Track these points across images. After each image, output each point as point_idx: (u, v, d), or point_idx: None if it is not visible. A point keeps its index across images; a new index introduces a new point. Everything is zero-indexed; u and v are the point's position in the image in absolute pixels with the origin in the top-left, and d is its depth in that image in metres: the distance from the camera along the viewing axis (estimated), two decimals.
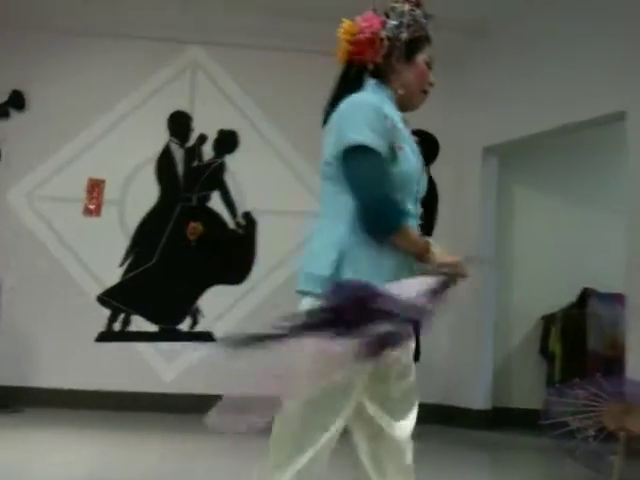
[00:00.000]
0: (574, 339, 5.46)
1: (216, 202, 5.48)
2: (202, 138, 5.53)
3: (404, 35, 1.74)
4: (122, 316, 5.28)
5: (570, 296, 5.64)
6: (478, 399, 5.29)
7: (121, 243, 5.32)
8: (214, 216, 5.46)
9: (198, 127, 5.52)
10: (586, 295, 5.56)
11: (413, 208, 1.73)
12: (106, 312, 5.26)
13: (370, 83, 1.75)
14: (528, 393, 5.35)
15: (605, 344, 5.36)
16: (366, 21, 1.75)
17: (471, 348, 5.36)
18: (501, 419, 5.22)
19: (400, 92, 1.75)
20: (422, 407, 5.80)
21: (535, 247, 5.76)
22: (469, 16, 5.28)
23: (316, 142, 6.15)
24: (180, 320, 5.35)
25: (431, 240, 1.68)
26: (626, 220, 4.51)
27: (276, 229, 5.41)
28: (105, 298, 5.26)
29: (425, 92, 1.80)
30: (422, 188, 1.79)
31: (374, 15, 1.76)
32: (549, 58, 4.98)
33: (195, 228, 5.39)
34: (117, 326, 5.28)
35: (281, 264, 5.43)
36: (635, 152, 4.41)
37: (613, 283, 5.04)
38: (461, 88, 5.68)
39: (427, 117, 5.87)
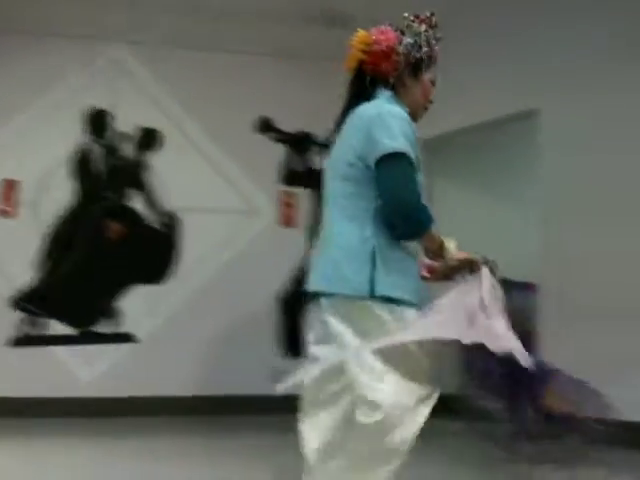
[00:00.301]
0: None
1: (138, 201, 5.43)
2: (123, 136, 5.46)
3: (417, 54, 1.86)
4: (37, 319, 5.14)
5: None
6: None
7: (37, 245, 5.18)
8: (136, 215, 5.40)
9: (119, 126, 5.45)
10: (501, 283, 5.76)
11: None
12: (19, 315, 5.10)
13: (386, 94, 1.85)
14: (448, 379, 5.50)
15: (518, 332, 5.56)
16: (382, 34, 1.85)
17: None
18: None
19: (407, 107, 1.87)
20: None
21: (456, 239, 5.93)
22: (385, 14, 5.39)
23: (239, 140, 6.24)
24: (100, 321, 5.27)
25: (445, 237, 1.82)
26: (539, 213, 4.72)
27: (200, 227, 5.41)
28: (20, 301, 5.12)
29: (426, 108, 1.95)
30: None
31: (391, 29, 1.86)
32: (466, 55, 5.15)
33: (116, 227, 5.32)
34: (32, 329, 5.14)
35: (205, 262, 5.44)
36: (548, 149, 4.61)
37: (525, 272, 5.25)
38: None
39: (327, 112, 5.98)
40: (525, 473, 2.94)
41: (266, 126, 5.61)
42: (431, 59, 1.89)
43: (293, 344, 5.54)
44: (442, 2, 5.18)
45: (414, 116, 1.88)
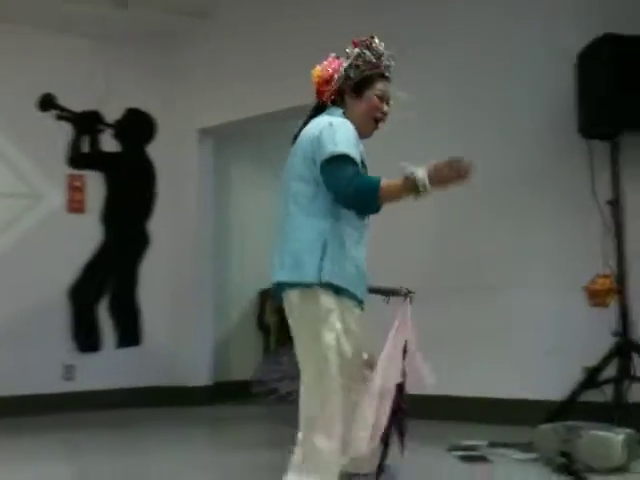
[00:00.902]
0: None
1: None
2: None
3: (352, 75, 2.09)
4: None
5: None
6: (200, 376, 5.39)
7: None
8: None
9: None
10: None
11: (363, 219, 2.04)
12: None
13: (336, 112, 2.09)
14: (247, 366, 5.59)
15: None
16: (328, 64, 2.15)
17: (191, 328, 5.45)
18: (224, 393, 5.39)
19: (353, 122, 2.05)
20: (146, 391, 5.74)
21: (252, 228, 6.01)
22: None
23: (22, 120, 5.69)
24: None
25: (408, 170, 1.83)
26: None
27: None
28: None
29: (376, 121, 2.11)
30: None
31: (334, 59, 2.15)
32: (265, 44, 5.20)
33: None
34: None
35: None
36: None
37: None
38: (176, 70, 5.70)
39: (143, 96, 5.83)
40: None
41: (48, 103, 5.23)
42: (371, 77, 2.09)
43: (88, 338, 5.28)
44: None
45: (362, 130, 2.08)
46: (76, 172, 5.34)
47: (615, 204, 3.38)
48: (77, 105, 5.33)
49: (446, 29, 4.34)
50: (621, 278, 3.30)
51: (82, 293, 5.24)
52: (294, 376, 3.48)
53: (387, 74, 2.11)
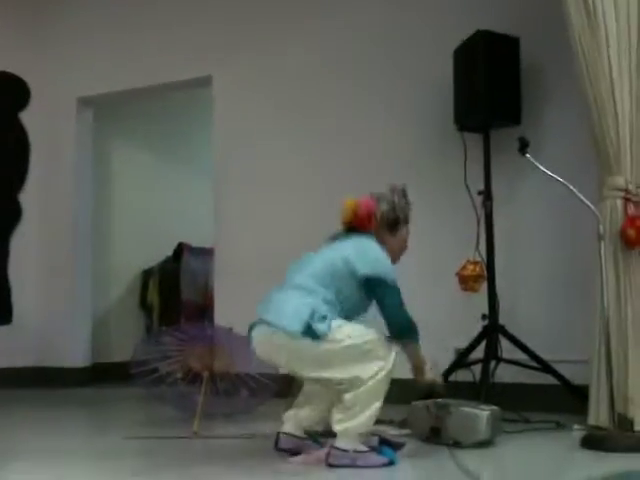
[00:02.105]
0: (170, 291, 5.76)
1: None
2: None
3: (387, 215, 2.58)
4: None
5: (167, 250, 5.91)
6: (76, 357, 5.23)
7: None
8: None
9: None
10: (181, 249, 5.90)
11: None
12: None
13: (369, 236, 2.54)
14: (128, 346, 5.47)
15: (197, 294, 5.79)
16: (366, 203, 2.57)
17: (67, 306, 5.27)
18: (103, 374, 5.25)
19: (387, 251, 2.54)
20: (16, 371, 5.51)
21: (133, 204, 5.86)
22: None
23: None
24: None
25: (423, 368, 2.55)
26: (212, 179, 4.89)
27: None
28: None
29: (400, 256, 2.65)
30: None
31: (371, 198, 2.59)
32: (144, 15, 5.05)
33: None
34: None
35: None
36: (219, 115, 4.79)
37: (204, 238, 5.44)
38: (55, 35, 5.41)
39: (15, 60, 5.50)
40: (196, 427, 3.07)
41: None
42: (405, 220, 2.63)
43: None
44: None
45: (392, 261, 2.56)
46: None
47: (485, 194, 3.59)
48: None
49: (334, 15, 4.40)
50: (490, 265, 3.52)
51: None
52: (177, 357, 3.49)
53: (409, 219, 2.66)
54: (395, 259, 2.60)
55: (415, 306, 3.94)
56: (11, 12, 5.24)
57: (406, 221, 2.65)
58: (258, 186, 4.61)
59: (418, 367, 2.53)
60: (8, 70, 5.23)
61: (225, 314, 4.40)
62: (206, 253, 5.64)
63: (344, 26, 4.36)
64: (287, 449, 2.54)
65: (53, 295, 5.26)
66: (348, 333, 2.37)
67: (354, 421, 2.35)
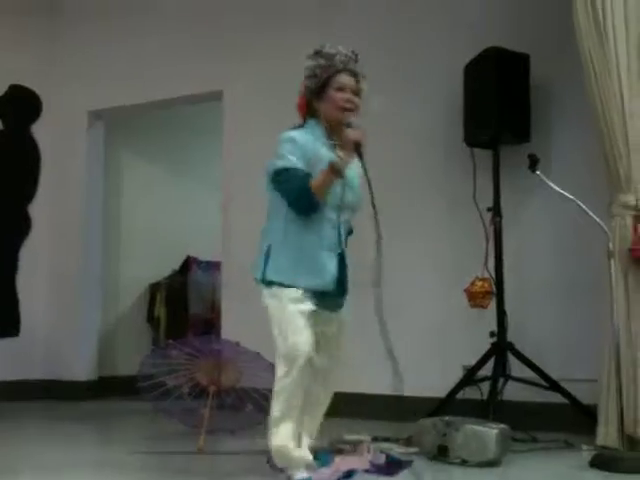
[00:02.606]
0: (177, 304, 5.76)
1: None
2: None
3: (310, 84, 2.36)
4: None
5: (174, 264, 5.92)
6: (83, 370, 5.22)
7: None
8: None
9: None
10: (188, 263, 5.91)
11: (334, 215, 2.32)
12: None
13: (309, 122, 2.38)
14: (135, 360, 5.48)
15: (204, 308, 5.79)
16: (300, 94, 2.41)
17: (74, 319, 5.27)
18: (109, 388, 5.24)
19: (326, 123, 2.36)
20: (23, 384, 5.50)
21: (141, 217, 5.87)
22: None
23: None
24: None
25: (331, 163, 2.21)
26: (220, 193, 4.89)
27: None
28: None
29: (346, 110, 2.33)
30: (348, 200, 2.34)
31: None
32: (157, 29, 5.09)
33: None
34: None
35: None
36: (229, 128, 4.80)
37: (211, 252, 5.43)
38: (66, 49, 5.46)
39: (29, 74, 5.53)
40: (202, 442, 3.05)
41: None
42: (328, 79, 2.34)
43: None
44: None
45: (336, 123, 2.33)
46: None
47: (494, 211, 3.58)
48: None
49: (342, 34, 4.42)
50: (499, 281, 3.50)
51: None
52: (183, 370, 3.48)
53: (346, 67, 2.34)
54: (337, 120, 2.32)
55: (424, 321, 4.00)
56: (23, 27, 5.30)
57: (333, 73, 2.33)
58: (266, 200, 4.59)
59: (334, 175, 2.24)
60: (20, 83, 5.29)
61: (232, 328, 4.39)
62: (213, 267, 5.63)
63: (354, 40, 4.31)
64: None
65: (61, 308, 5.27)
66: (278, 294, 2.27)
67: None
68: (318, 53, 2.37)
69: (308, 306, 2.27)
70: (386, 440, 3.20)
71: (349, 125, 2.29)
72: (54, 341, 5.21)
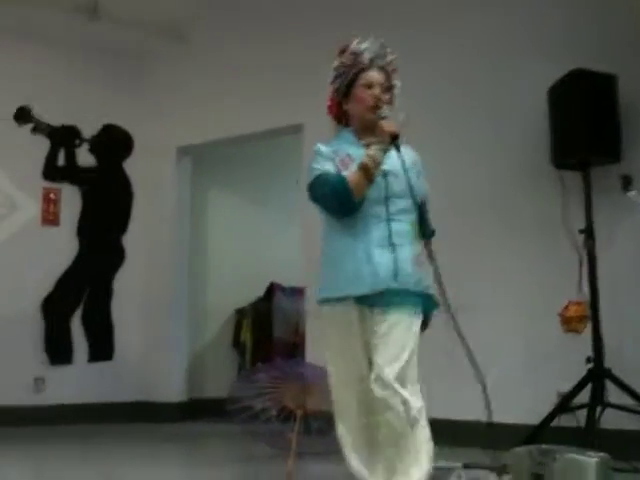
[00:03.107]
0: (262, 329, 5.87)
1: None
2: None
3: (337, 84, 2.22)
4: None
5: (259, 291, 6.03)
6: (174, 393, 5.37)
7: None
8: None
9: None
10: (272, 289, 6.01)
11: (381, 209, 2.12)
12: None
13: (340, 133, 2.26)
14: (222, 383, 5.59)
15: (289, 332, 5.86)
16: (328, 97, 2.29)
17: (165, 344, 5.43)
18: (198, 410, 5.36)
19: (355, 125, 2.21)
20: (116, 406, 5.69)
21: (227, 247, 6.03)
22: (165, 17, 5.33)
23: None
24: None
25: (365, 158, 2.07)
26: (301, 221, 4.96)
27: None
28: None
29: (375, 107, 2.14)
30: (395, 189, 2.14)
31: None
32: (241, 68, 5.26)
33: None
34: None
35: None
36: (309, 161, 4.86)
37: (295, 278, 5.51)
38: (156, 87, 5.71)
39: (121, 112, 5.83)
40: (290, 466, 3.07)
41: (25, 116, 5.21)
42: (354, 76, 2.18)
43: (60, 351, 5.20)
44: (222, 12, 5.35)
45: (366, 124, 2.17)
46: (52, 185, 5.31)
47: (587, 233, 3.48)
48: (54, 119, 5.31)
49: (428, 58, 4.44)
50: (594, 305, 3.40)
51: (55, 306, 5.19)
52: (271, 393, 3.53)
53: (374, 63, 2.19)
54: (365, 122, 2.18)
55: (515, 347, 3.91)
56: (116, 68, 5.59)
57: (360, 70, 2.19)
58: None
59: (371, 170, 2.08)
60: (113, 122, 5.58)
61: (316, 353, 4.41)
62: (297, 293, 5.70)
63: (436, 66, 4.38)
64: None
65: (152, 332, 5.44)
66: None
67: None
68: (344, 51, 2.22)
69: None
70: (478, 467, 3.13)
71: (383, 118, 2.11)
72: (145, 364, 5.38)
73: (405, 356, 2.07)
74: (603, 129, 3.52)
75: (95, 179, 5.54)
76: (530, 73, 3.98)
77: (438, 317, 2.36)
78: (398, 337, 2.09)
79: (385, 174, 2.13)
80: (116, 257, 5.55)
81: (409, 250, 2.14)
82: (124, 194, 5.67)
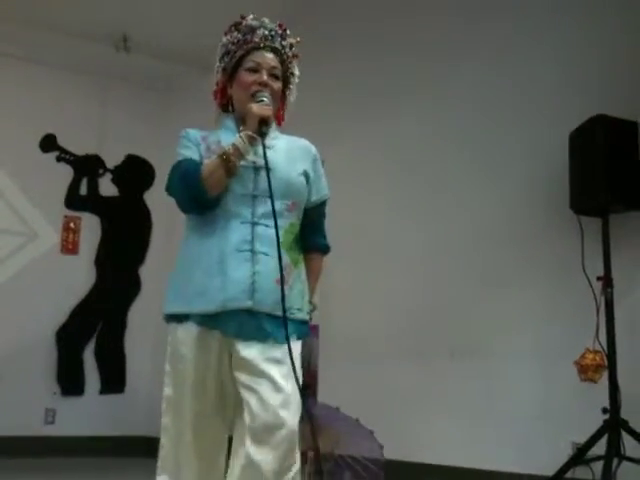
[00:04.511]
0: None
1: None
2: None
3: (222, 67, 1.90)
4: None
5: None
6: None
7: None
8: None
9: None
10: None
11: (245, 208, 1.80)
12: None
13: (223, 121, 1.95)
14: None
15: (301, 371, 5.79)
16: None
17: None
18: None
19: (238, 111, 1.89)
20: (127, 440, 5.67)
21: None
22: (192, 47, 5.42)
23: (21, 158, 5.73)
24: None
25: (228, 146, 1.77)
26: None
27: None
28: None
29: (254, 93, 1.84)
30: (264, 187, 1.78)
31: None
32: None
33: None
34: None
35: None
36: (331, 193, 4.87)
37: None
38: (181, 117, 5.74)
39: (144, 143, 5.91)
40: None
41: (50, 144, 5.30)
42: (238, 57, 1.87)
43: (71, 382, 5.20)
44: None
45: (246, 112, 1.83)
46: (73, 213, 5.38)
47: (605, 280, 3.44)
48: (78, 147, 5.41)
49: (448, 93, 4.47)
50: (611, 354, 3.34)
51: (70, 335, 5.21)
52: None
53: (267, 44, 1.87)
54: (245, 108, 1.83)
55: (528, 395, 3.84)
56: (140, 99, 5.70)
57: (250, 50, 1.86)
58: (367, 264, 4.63)
59: (229, 159, 1.76)
60: (137, 153, 5.67)
61: (329, 393, 4.36)
62: (310, 330, 5.65)
63: (457, 104, 4.40)
64: None
65: (164, 366, 5.42)
66: None
67: None
68: (236, 26, 1.88)
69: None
70: None
71: (259, 101, 1.80)
72: (157, 398, 5.34)
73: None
74: (624, 175, 3.50)
75: (116, 209, 5.60)
76: (553, 117, 3.99)
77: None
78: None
79: (256, 168, 1.81)
80: (132, 289, 5.58)
81: (276, 263, 1.75)
82: (144, 225, 5.72)
